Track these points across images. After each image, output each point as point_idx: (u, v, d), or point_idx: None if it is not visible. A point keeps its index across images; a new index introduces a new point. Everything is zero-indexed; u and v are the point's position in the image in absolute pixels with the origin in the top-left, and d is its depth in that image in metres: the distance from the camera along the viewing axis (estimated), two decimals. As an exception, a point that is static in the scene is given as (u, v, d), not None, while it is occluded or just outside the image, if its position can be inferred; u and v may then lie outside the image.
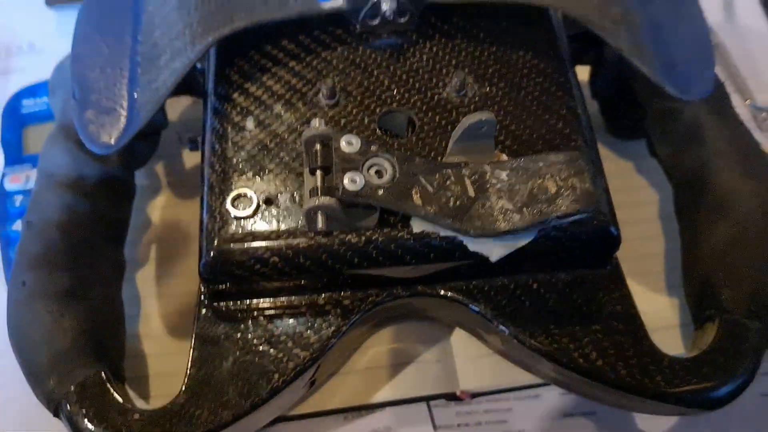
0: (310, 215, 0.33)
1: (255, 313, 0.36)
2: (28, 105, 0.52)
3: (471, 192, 0.34)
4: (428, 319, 0.42)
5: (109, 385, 0.35)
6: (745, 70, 0.54)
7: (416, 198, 0.33)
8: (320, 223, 0.33)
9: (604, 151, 0.49)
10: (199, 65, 0.43)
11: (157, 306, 0.44)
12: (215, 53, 0.40)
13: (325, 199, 0.32)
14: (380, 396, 0.41)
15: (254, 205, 0.35)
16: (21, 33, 0.58)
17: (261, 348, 0.36)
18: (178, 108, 0.51)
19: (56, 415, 0.35)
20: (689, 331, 0.40)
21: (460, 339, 0.42)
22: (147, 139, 0.45)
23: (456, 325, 0.42)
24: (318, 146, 0.34)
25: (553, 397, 0.42)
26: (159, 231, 0.47)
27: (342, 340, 0.37)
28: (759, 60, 0.55)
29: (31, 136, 0.51)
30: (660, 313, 0.43)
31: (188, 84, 0.44)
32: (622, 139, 0.49)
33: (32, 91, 0.52)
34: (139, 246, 0.46)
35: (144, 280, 0.45)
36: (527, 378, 0.42)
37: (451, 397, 0.42)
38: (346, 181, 0.33)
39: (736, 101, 0.52)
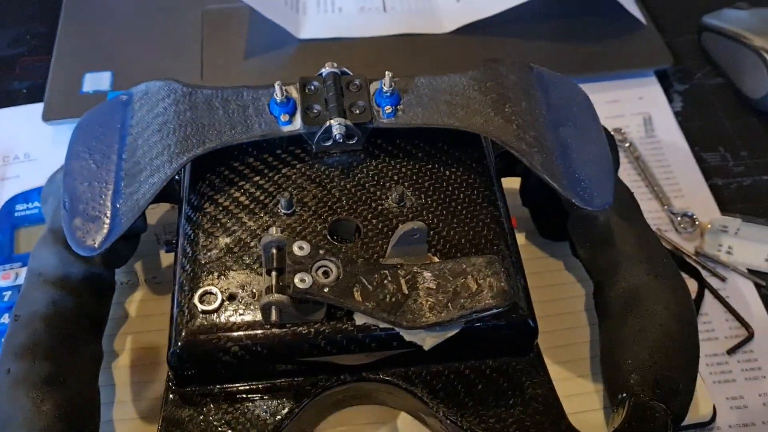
0: (266, 310, 0.38)
1: (217, 397, 0.41)
2: (21, 209, 0.57)
3: (404, 290, 0.39)
4: (378, 404, 0.47)
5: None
6: (663, 180, 0.61)
7: (357, 295, 0.39)
8: (273, 316, 0.38)
9: (536, 252, 0.55)
10: (177, 176, 0.49)
11: (130, 393, 0.48)
12: (190, 168, 0.46)
13: (277, 296, 0.38)
14: (333, 477, 0.45)
15: (219, 301, 0.40)
16: (18, 144, 0.64)
17: (221, 429, 0.40)
18: (157, 213, 0.56)
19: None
20: (609, 414, 0.45)
21: (404, 422, 0.47)
22: (127, 241, 0.50)
23: (401, 409, 0.47)
24: (274, 251, 0.39)
25: (491, 476, 0.46)
26: (135, 323, 0.51)
27: (297, 421, 0.41)
28: (675, 170, 0.62)
29: (22, 237, 0.56)
30: (585, 397, 0.48)
31: (167, 192, 0.49)
32: (553, 240, 0.55)
33: (25, 196, 0.58)
34: (116, 337, 0.50)
35: (119, 369, 0.49)
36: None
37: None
38: (296, 280, 0.38)
39: (655, 207, 0.59)
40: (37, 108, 0.65)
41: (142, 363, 0.49)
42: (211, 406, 0.41)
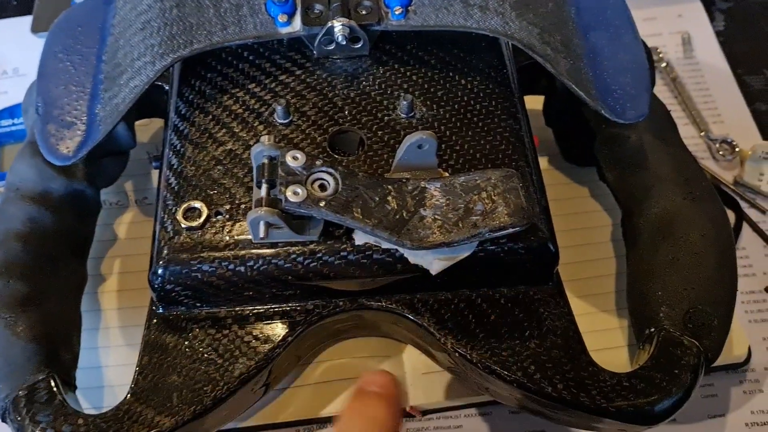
0: (254, 225, 0.34)
1: (203, 321, 0.37)
2: (6, 125, 0.54)
3: (410, 206, 0.35)
4: (381, 336, 0.43)
5: (56, 391, 0.35)
6: (701, 104, 0.56)
7: (357, 212, 0.34)
8: (262, 232, 0.34)
9: (559, 177, 0.51)
10: (165, 86, 0.44)
11: (117, 319, 0.45)
12: (178, 74, 0.42)
13: (267, 210, 0.34)
14: (332, 409, 0.42)
15: (204, 217, 0.37)
16: (6, 59, 0.60)
17: (207, 356, 0.36)
18: (149, 130, 0.52)
19: (3, 420, 0.35)
20: (634, 352, 0.41)
21: (411, 356, 0.43)
22: (115, 157, 0.47)
23: (408, 342, 0.43)
24: (265, 160, 0.35)
25: (503, 415, 0.43)
26: (123, 246, 0.48)
27: (290, 350, 0.38)
28: (714, 94, 0.57)
29: (7, 154, 0.53)
30: (608, 334, 0.44)
31: (157, 106, 0.45)
32: (578, 165, 0.50)
33: (11, 111, 0.54)
34: (103, 261, 0.47)
35: (106, 294, 0.46)
36: (478, 396, 0.42)
37: (402, 414, 0.42)
38: (288, 193, 0.34)
39: (691, 132, 0.54)
40: (26, 20, 0.61)
41: (130, 288, 0.46)
42: (197, 331, 0.37)
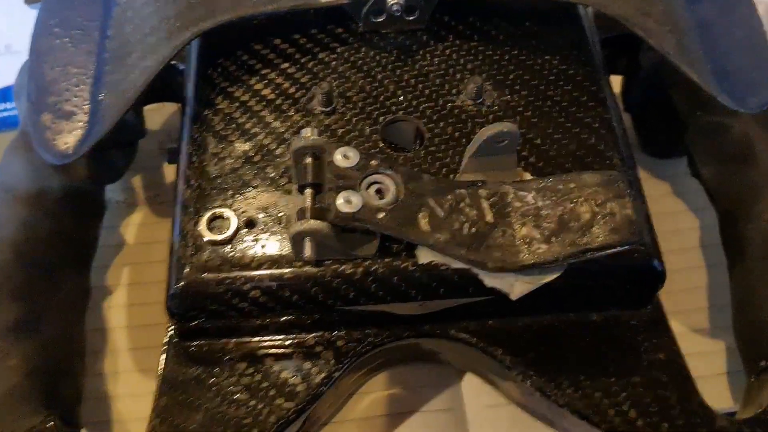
0: (297, 241, 0.28)
1: (232, 354, 0.32)
2: (-2, 110, 0.47)
3: (489, 217, 0.28)
4: (435, 362, 0.37)
5: (57, 437, 0.30)
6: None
7: (423, 223, 0.28)
8: (308, 250, 0.28)
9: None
10: (181, 64, 0.38)
11: (126, 340, 0.39)
12: (197, 52, 0.36)
13: (314, 223, 0.27)
14: (379, 452, 0.36)
15: (233, 228, 0.31)
16: (-2, 34, 0.54)
17: (238, 397, 0.31)
18: (161, 115, 0.46)
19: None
20: (738, 380, 0.36)
21: (472, 385, 0.37)
22: (122, 149, 0.42)
23: (467, 369, 0.37)
24: (309, 159, 0.29)
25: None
26: (133, 253, 0.42)
27: (335, 387, 0.32)
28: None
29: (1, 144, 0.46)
30: (703, 358, 0.38)
31: (170, 89, 0.39)
32: (658, 158, 0.44)
33: (3, 94, 0.48)
34: (109, 270, 0.41)
35: (113, 310, 0.40)
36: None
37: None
38: (339, 201, 0.28)
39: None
40: (20, -10, 0.54)
41: (142, 302, 0.40)
42: (225, 366, 0.31)
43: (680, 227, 0.42)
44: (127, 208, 0.43)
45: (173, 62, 0.38)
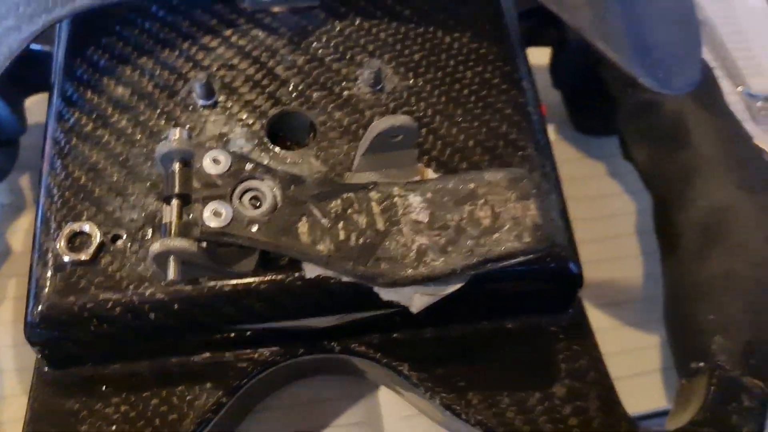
0: (160, 262, 0.24)
1: (107, 383, 0.28)
2: None
3: (380, 224, 0.25)
4: (348, 374, 0.34)
5: None
6: (737, 51, 0.47)
7: (304, 235, 0.25)
8: (172, 272, 0.24)
9: (569, 151, 0.42)
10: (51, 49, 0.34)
11: (13, 360, 0.35)
12: (66, 37, 0.32)
13: (177, 241, 0.24)
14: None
15: (95, 245, 0.27)
16: None
17: (115, 429, 0.27)
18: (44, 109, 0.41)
19: None
20: (670, 378, 0.34)
21: (390, 395, 0.34)
22: (1, 148, 0.37)
23: (383, 384, 0.34)
24: (176, 166, 0.25)
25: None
26: (21, 262, 0.38)
27: (230, 411, 0.28)
28: (753, 40, 0.48)
29: None
30: (637, 355, 0.36)
31: (42, 76, 0.35)
32: (591, 136, 0.41)
33: None
34: (-7, 282, 0.37)
35: (-2, 326, 0.36)
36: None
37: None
38: (206, 214, 0.24)
39: (727, 88, 0.45)
40: None
41: (31, 315, 0.36)
42: (99, 396, 0.28)
43: (615, 212, 0.40)
44: (13, 213, 0.39)
45: (44, 48, 0.34)
